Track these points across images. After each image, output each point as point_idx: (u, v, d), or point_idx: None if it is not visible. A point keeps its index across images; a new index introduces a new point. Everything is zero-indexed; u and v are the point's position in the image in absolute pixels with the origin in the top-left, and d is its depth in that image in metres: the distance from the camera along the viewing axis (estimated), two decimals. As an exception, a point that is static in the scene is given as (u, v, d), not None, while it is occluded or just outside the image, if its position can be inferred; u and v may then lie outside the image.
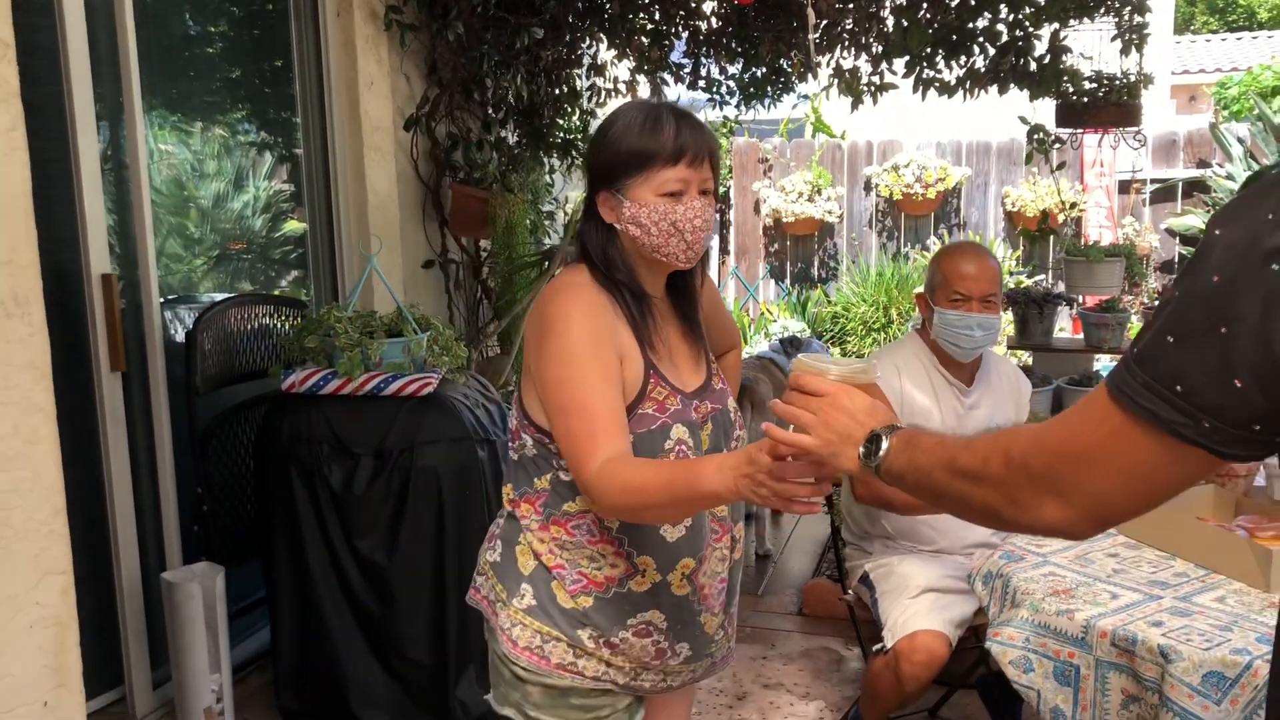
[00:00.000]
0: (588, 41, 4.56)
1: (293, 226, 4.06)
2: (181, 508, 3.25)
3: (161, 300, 3.25)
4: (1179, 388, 0.88)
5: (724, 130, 9.71)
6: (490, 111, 4.42)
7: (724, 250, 9.99)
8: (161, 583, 2.96)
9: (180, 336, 3.23)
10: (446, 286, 4.36)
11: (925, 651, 2.56)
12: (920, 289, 2.90)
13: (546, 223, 4.90)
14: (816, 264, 9.88)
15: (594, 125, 4.72)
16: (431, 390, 3.07)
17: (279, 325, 3.47)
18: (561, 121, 4.66)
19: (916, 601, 2.66)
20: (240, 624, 3.46)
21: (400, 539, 3.01)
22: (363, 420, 3.04)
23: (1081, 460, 0.98)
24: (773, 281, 9.91)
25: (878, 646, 2.70)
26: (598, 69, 4.82)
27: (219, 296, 3.40)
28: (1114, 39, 4.08)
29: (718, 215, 10.03)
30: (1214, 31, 21.47)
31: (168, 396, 3.20)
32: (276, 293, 4.00)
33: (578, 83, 4.75)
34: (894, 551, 2.88)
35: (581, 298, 1.65)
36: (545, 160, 4.68)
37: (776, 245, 9.94)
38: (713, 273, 9.83)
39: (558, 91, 4.66)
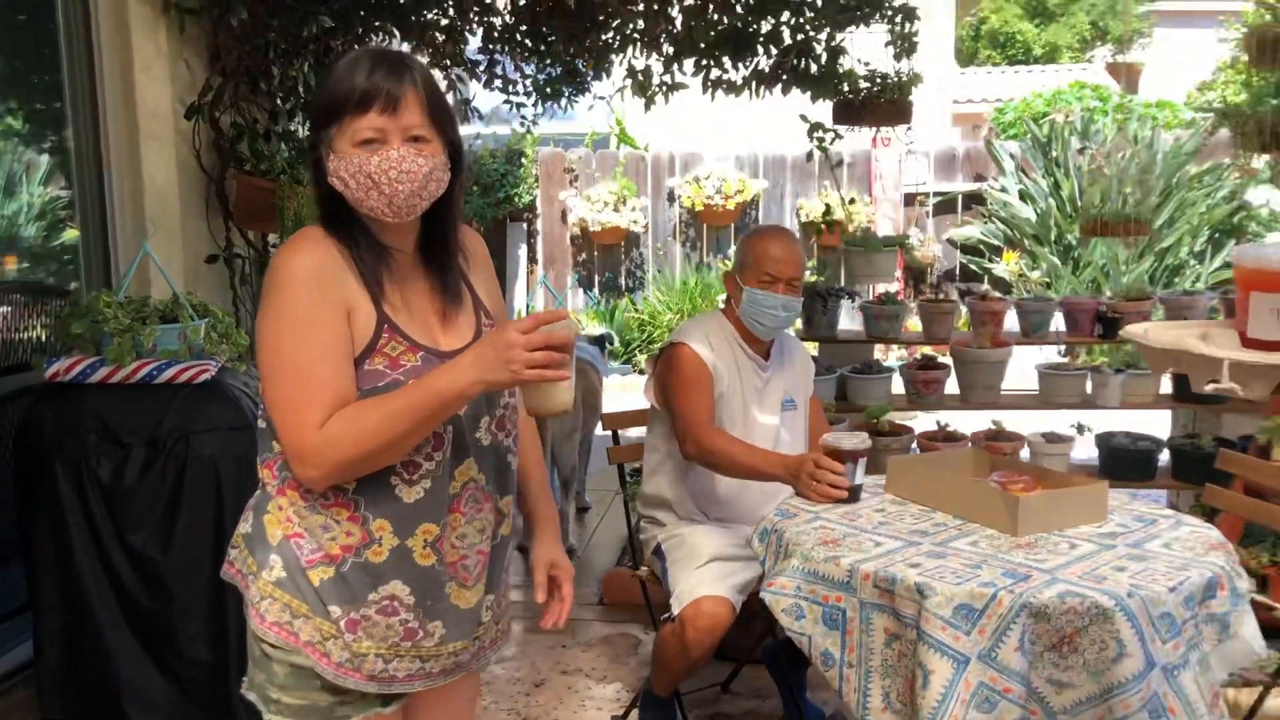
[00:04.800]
0: (380, 35, 4.50)
1: (70, 236, 3.83)
2: (-69, 511, 3.01)
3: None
4: None
5: (528, 141, 9.75)
6: (278, 102, 4.30)
7: (532, 259, 10.01)
8: (-95, 588, 2.74)
9: (-70, 328, 3.02)
10: (232, 282, 4.20)
11: (709, 617, 2.63)
12: (728, 270, 3.02)
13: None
14: (623, 273, 10.03)
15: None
16: (209, 377, 2.95)
17: (43, 315, 3.27)
18: (354, 115, 4.56)
19: (703, 570, 2.73)
20: (1, 634, 3.23)
21: (176, 532, 2.88)
22: (134, 409, 2.90)
23: None
24: (581, 290, 9.99)
25: (665, 615, 2.75)
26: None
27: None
28: (887, 45, 4.32)
29: (524, 224, 10.08)
30: (995, 65, 22.96)
31: (-86, 391, 2.97)
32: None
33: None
34: (686, 522, 2.95)
35: (306, 249, 1.57)
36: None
37: (584, 254, 10.04)
38: (520, 281, 9.83)
39: (350, 85, 4.57)
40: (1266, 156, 7.06)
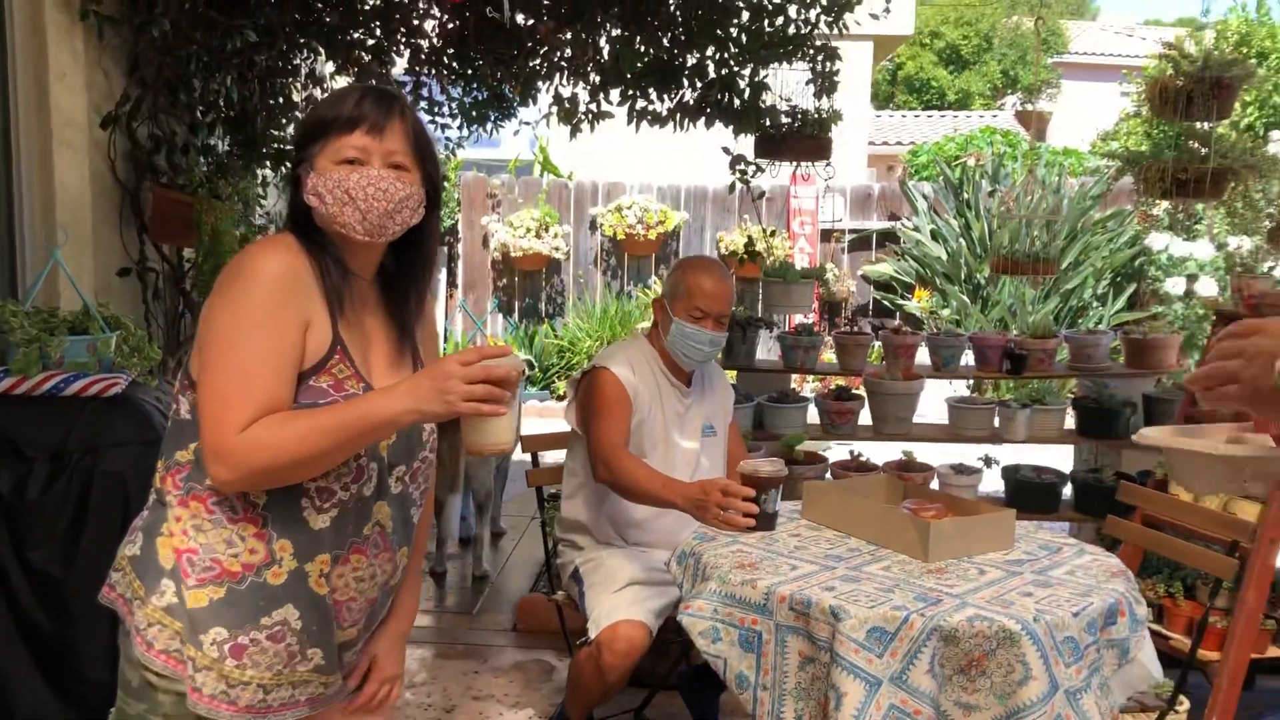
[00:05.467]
0: (305, 52, 4.47)
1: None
2: None
3: None
4: None
5: (451, 165, 9.72)
6: (199, 115, 4.23)
7: (452, 284, 9.95)
8: None
9: None
10: (144, 297, 4.10)
11: (626, 640, 2.63)
12: (658, 296, 3.03)
13: (259, 236, 4.72)
14: (544, 299, 10.03)
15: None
16: (119, 391, 2.88)
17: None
18: (277, 131, 4.52)
19: (621, 594, 2.74)
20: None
21: (80, 549, 2.80)
22: (39, 422, 2.81)
23: None
24: (501, 316, 9.96)
25: (581, 640, 2.75)
26: (316, 80, 4.71)
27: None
28: (808, 83, 4.42)
29: (445, 248, 10.01)
30: (911, 109, 23.58)
31: None
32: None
33: (294, 93, 4.63)
34: (604, 547, 2.95)
35: (279, 253, 1.57)
36: (258, 170, 4.52)
37: (505, 280, 10.01)
38: (440, 306, 9.76)
39: (273, 101, 4.52)
40: (1166, 204, 7.36)
